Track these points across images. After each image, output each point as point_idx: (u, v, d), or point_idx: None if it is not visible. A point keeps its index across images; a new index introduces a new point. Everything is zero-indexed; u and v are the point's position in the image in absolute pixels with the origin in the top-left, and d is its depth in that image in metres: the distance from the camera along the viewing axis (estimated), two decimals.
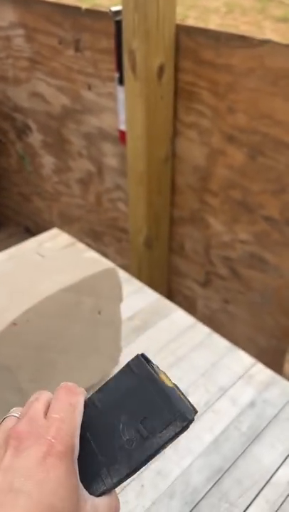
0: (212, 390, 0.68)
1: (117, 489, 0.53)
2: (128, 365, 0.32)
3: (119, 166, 1.34)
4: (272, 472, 0.57)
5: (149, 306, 0.83)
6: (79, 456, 0.30)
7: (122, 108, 1.16)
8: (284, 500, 0.55)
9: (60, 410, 0.30)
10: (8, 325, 0.50)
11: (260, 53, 0.89)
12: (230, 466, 0.58)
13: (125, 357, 0.73)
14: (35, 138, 1.65)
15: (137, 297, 0.85)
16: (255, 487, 0.56)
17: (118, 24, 1.04)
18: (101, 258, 0.94)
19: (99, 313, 0.61)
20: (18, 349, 0.52)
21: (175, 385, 0.31)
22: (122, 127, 1.21)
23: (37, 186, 1.82)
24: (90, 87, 1.28)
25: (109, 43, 1.13)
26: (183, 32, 1.00)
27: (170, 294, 1.49)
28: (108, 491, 0.30)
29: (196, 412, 0.29)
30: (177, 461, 0.59)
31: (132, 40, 0.99)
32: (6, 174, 1.97)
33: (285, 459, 0.59)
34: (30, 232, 2.09)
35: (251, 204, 1.07)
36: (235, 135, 1.02)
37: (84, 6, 1.16)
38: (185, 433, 0.56)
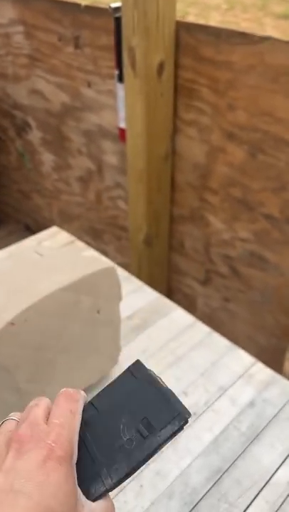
0: (212, 390, 0.68)
1: (116, 489, 0.53)
2: (128, 369, 0.34)
3: (119, 163, 1.34)
4: (272, 472, 0.57)
5: (148, 304, 0.83)
6: (78, 459, 0.31)
7: (121, 105, 1.16)
8: (284, 501, 0.54)
9: (60, 416, 0.31)
10: (6, 324, 0.50)
11: (260, 50, 0.89)
12: (229, 467, 0.58)
13: (124, 356, 0.72)
14: (35, 135, 1.65)
15: (137, 296, 0.85)
16: (254, 487, 0.56)
17: (118, 21, 1.03)
18: (100, 257, 0.94)
19: (98, 312, 0.61)
20: (16, 349, 0.52)
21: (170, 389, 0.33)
22: (122, 125, 1.20)
23: (37, 184, 1.81)
24: (89, 85, 1.28)
25: (109, 40, 1.13)
26: (183, 29, 0.99)
27: (170, 292, 1.48)
28: (108, 491, 0.31)
29: (190, 414, 0.31)
30: (176, 461, 0.59)
31: (131, 37, 0.99)
32: (6, 171, 1.97)
33: (285, 459, 0.59)
34: (30, 229, 2.08)
35: (251, 202, 1.07)
36: (236, 132, 1.01)
37: (83, 2, 1.16)
38: (184, 433, 0.58)
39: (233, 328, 1.31)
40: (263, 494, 0.55)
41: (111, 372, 0.69)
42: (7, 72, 1.58)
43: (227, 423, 0.63)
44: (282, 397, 0.67)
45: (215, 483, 0.56)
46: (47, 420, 0.31)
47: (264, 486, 0.56)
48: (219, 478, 0.56)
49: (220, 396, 0.67)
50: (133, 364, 0.35)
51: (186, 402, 0.66)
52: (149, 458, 0.31)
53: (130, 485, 0.56)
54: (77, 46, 1.24)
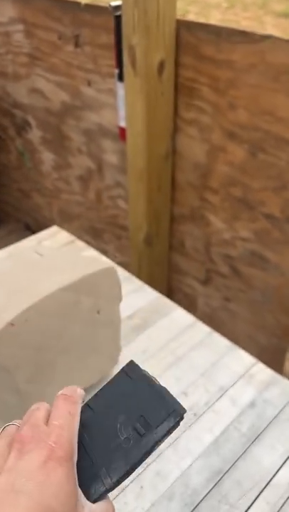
0: (212, 390, 0.68)
1: (116, 490, 0.53)
2: (123, 370, 0.35)
3: (119, 162, 1.33)
4: (273, 473, 0.57)
5: (148, 304, 0.83)
6: (77, 461, 0.31)
7: (121, 104, 1.15)
8: (284, 502, 0.54)
9: (60, 418, 0.32)
10: (6, 325, 0.50)
11: (261, 49, 0.88)
12: (230, 468, 0.58)
13: (125, 356, 0.72)
14: (35, 134, 1.64)
15: (137, 296, 0.84)
16: (255, 488, 0.55)
17: (118, 19, 1.03)
18: (100, 257, 0.93)
19: (98, 312, 0.60)
20: (16, 349, 0.52)
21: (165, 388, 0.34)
22: (122, 124, 1.20)
23: (37, 183, 1.81)
24: (89, 83, 1.27)
25: (109, 39, 1.12)
26: (183, 27, 0.99)
27: (170, 292, 1.48)
28: (108, 491, 0.31)
29: (185, 410, 0.32)
30: (177, 461, 0.58)
31: (131, 36, 0.98)
32: (6, 170, 1.96)
33: (286, 461, 0.58)
34: (30, 229, 2.08)
35: (252, 201, 1.06)
36: (236, 132, 1.01)
37: (83, 1, 1.15)
38: (185, 433, 0.58)
39: (234, 327, 1.31)
40: (264, 495, 0.55)
41: (111, 372, 0.69)
42: (7, 70, 1.57)
43: (227, 424, 0.63)
44: (283, 397, 0.66)
45: (215, 484, 0.56)
46: (47, 422, 0.32)
47: (265, 487, 0.55)
48: (220, 480, 0.56)
49: (220, 396, 0.67)
50: (127, 364, 0.35)
51: (187, 402, 0.65)
52: (147, 456, 0.31)
53: (130, 486, 0.55)
54: (77, 45, 1.24)
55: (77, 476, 0.31)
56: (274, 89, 0.90)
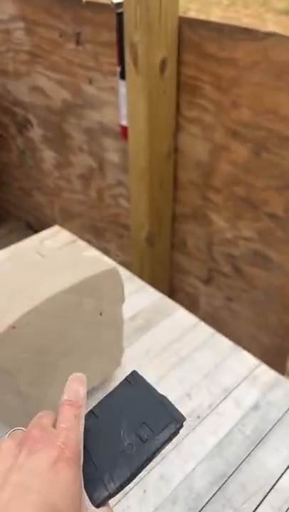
0: (215, 392, 0.67)
1: (119, 495, 0.52)
2: (126, 379, 0.37)
3: (121, 161, 1.33)
4: (277, 477, 0.56)
5: (151, 305, 0.82)
6: (82, 464, 0.32)
7: (123, 103, 1.15)
8: None
9: (67, 421, 0.33)
10: (8, 328, 0.49)
11: (264, 46, 0.87)
12: (234, 471, 0.57)
13: (128, 358, 0.71)
14: (36, 132, 1.63)
15: (139, 296, 0.84)
16: (259, 492, 0.55)
17: (120, 17, 1.02)
18: (102, 257, 0.93)
19: (100, 314, 0.60)
20: (18, 352, 0.51)
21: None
22: (124, 122, 1.19)
23: (38, 181, 1.80)
24: (91, 81, 1.26)
25: (111, 36, 1.11)
26: (186, 25, 0.98)
27: (172, 291, 1.47)
28: (111, 496, 0.32)
29: (185, 418, 0.34)
30: (180, 465, 0.58)
31: (133, 33, 0.97)
32: (7, 169, 1.96)
33: None
34: (32, 227, 2.07)
35: (255, 201, 1.06)
36: (239, 130, 1.00)
37: None
38: (188, 436, 0.58)
39: (236, 327, 1.31)
40: (269, 499, 0.54)
41: (114, 374, 0.69)
42: (8, 68, 1.56)
43: (231, 426, 0.62)
44: (287, 399, 0.66)
45: (220, 488, 0.55)
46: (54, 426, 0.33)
47: (269, 491, 0.55)
48: (224, 483, 0.56)
49: (224, 398, 0.66)
50: (130, 374, 0.37)
51: (190, 404, 0.65)
52: (149, 461, 0.32)
53: (133, 490, 0.55)
54: (78, 42, 1.23)
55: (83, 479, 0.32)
56: (277, 88, 0.89)
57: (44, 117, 1.54)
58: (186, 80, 1.04)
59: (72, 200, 1.66)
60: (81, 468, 0.31)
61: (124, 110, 1.16)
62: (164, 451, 0.59)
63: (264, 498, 0.54)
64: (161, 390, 0.68)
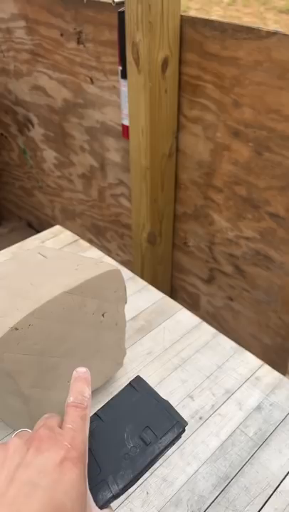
0: (218, 393, 0.67)
1: (122, 497, 0.52)
2: (130, 384, 0.38)
3: (122, 161, 1.32)
4: (281, 479, 0.56)
5: (153, 305, 0.82)
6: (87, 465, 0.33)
7: (125, 102, 1.14)
8: None
9: (73, 422, 0.33)
10: (10, 330, 0.49)
11: (267, 45, 0.87)
12: (237, 473, 0.57)
13: (129, 359, 0.71)
14: (37, 132, 1.63)
15: (141, 297, 0.84)
16: (262, 495, 0.54)
17: (121, 15, 1.01)
18: (105, 258, 0.92)
19: (103, 315, 0.59)
20: (20, 354, 0.51)
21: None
22: (125, 122, 1.19)
23: (39, 181, 1.80)
24: (92, 81, 1.26)
25: (112, 35, 1.11)
26: (188, 24, 0.97)
27: (173, 291, 1.47)
28: (114, 498, 0.33)
29: (187, 423, 0.35)
30: (183, 467, 0.57)
31: (135, 32, 0.97)
32: (8, 168, 1.95)
33: None
34: (32, 227, 2.07)
35: (257, 200, 1.05)
36: (241, 130, 1.00)
37: None
38: (191, 438, 0.59)
39: (237, 327, 1.30)
40: (272, 502, 0.54)
41: (116, 375, 0.68)
42: (9, 67, 1.56)
43: (234, 428, 0.62)
44: None
45: (222, 490, 0.55)
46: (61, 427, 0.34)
47: (272, 494, 0.55)
48: (227, 486, 0.55)
49: (226, 400, 0.66)
50: (134, 379, 0.38)
51: (193, 406, 0.65)
52: (153, 463, 0.34)
53: (136, 492, 0.55)
54: (79, 41, 1.22)
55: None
56: (280, 87, 0.89)
57: (45, 117, 1.54)
58: (187, 79, 1.04)
59: (73, 199, 1.66)
60: (86, 468, 0.32)
61: (125, 110, 1.16)
62: (166, 454, 0.58)
63: (267, 501, 0.54)
64: (163, 392, 0.68)
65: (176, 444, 0.59)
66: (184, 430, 0.34)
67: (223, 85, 0.98)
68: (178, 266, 1.40)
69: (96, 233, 1.65)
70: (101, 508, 0.32)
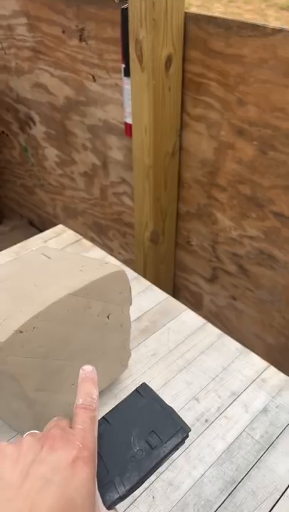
0: (224, 395, 0.66)
1: (128, 501, 0.52)
2: (136, 390, 0.39)
3: (125, 159, 1.31)
4: (288, 483, 0.55)
5: (157, 306, 0.81)
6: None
7: (128, 100, 1.13)
8: None
9: (83, 422, 0.34)
10: (14, 333, 0.48)
11: (272, 43, 0.86)
12: (243, 477, 0.56)
13: (134, 360, 0.70)
14: (39, 130, 1.62)
15: (145, 297, 0.83)
16: (270, 499, 0.54)
17: (124, 12, 1.00)
18: (109, 259, 0.92)
19: (108, 317, 0.59)
20: (25, 357, 0.50)
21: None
22: (128, 120, 1.18)
23: (40, 179, 1.79)
24: (94, 78, 1.25)
25: (115, 32, 1.10)
26: (192, 21, 0.96)
27: (176, 290, 1.46)
28: (121, 499, 0.34)
29: (190, 429, 0.37)
30: (189, 470, 0.57)
31: (138, 30, 0.96)
32: (9, 166, 1.94)
33: None
34: (34, 225, 2.06)
35: (261, 200, 1.04)
36: (245, 128, 0.99)
37: None
38: (196, 441, 0.60)
39: (241, 326, 1.30)
40: (279, 507, 0.53)
41: (121, 377, 0.68)
42: (10, 65, 1.55)
43: (240, 431, 0.61)
44: None
45: (229, 494, 0.54)
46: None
47: (280, 498, 0.54)
48: (234, 490, 0.55)
49: (232, 402, 0.65)
50: (140, 385, 0.40)
51: (198, 408, 0.64)
52: (158, 466, 0.35)
53: (142, 496, 0.54)
54: (81, 39, 1.21)
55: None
56: (285, 85, 0.88)
57: (47, 114, 1.53)
58: (191, 77, 1.03)
59: (75, 197, 1.65)
60: (96, 468, 0.33)
61: (128, 108, 1.15)
62: (172, 457, 0.58)
63: (275, 505, 0.53)
64: (168, 394, 0.67)
65: (182, 447, 0.59)
66: (187, 435, 0.36)
67: (227, 83, 0.97)
68: (181, 265, 1.39)
69: (98, 232, 1.64)
70: (108, 508, 0.33)
